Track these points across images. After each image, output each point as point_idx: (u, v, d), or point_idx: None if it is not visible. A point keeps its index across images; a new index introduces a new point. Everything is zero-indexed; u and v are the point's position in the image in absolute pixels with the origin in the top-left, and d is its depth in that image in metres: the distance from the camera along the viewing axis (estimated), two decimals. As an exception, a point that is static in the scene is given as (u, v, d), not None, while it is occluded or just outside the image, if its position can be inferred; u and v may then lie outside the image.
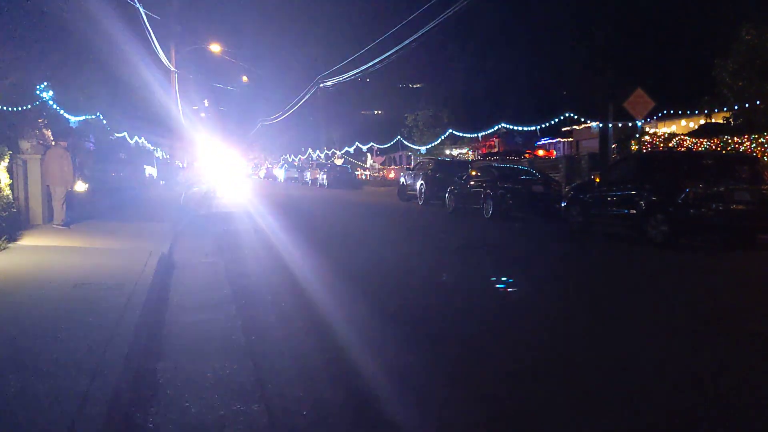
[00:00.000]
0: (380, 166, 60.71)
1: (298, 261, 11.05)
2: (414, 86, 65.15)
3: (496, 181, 20.40)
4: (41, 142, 15.59)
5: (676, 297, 8.47)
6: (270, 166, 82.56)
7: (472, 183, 21.85)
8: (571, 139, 44.45)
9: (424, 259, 11.73)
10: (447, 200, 23.24)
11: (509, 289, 8.75)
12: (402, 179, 30.63)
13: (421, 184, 26.53)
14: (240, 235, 15.71)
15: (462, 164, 28.47)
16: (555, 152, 45.63)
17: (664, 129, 32.59)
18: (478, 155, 48.09)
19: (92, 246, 11.73)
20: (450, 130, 43.86)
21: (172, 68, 36.96)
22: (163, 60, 33.48)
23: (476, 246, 13.82)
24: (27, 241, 11.89)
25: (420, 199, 26.63)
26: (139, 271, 8.97)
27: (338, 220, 20.33)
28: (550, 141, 47.42)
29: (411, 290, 8.76)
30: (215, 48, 44.51)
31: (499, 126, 40.17)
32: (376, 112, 70.67)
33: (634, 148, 25.64)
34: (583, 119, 39.24)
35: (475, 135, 44.03)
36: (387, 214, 22.76)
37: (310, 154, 74.24)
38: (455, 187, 22.80)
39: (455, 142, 48.97)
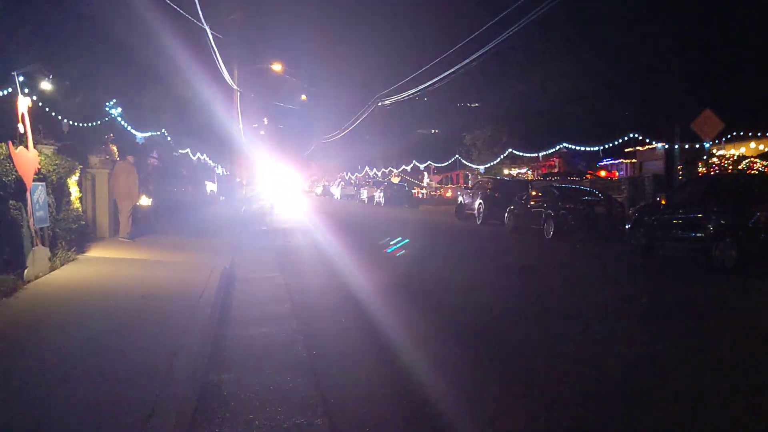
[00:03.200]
0: (437, 185, 60.61)
1: (357, 277, 11.10)
2: (472, 105, 65.09)
3: (558, 201, 20.16)
4: (108, 157, 16.16)
5: (751, 327, 8.19)
6: (327, 183, 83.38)
7: (532, 203, 21.65)
8: (634, 161, 43.59)
9: (487, 279, 11.61)
10: (506, 220, 23.07)
11: (578, 314, 8.58)
12: (460, 198, 30.50)
13: (480, 204, 26.40)
14: (299, 250, 15.90)
15: (521, 184, 28.16)
16: (618, 173, 44.79)
17: (732, 151, 31.69)
18: (537, 175, 47.56)
19: (157, 259, 12.05)
20: (510, 150, 43.57)
21: (235, 87, 37.84)
22: (226, 79, 34.34)
23: (539, 267, 13.64)
24: (94, 252, 12.30)
25: (478, 219, 26.49)
26: (203, 284, 9.18)
27: (396, 237, 20.36)
28: (613, 162, 46.58)
29: (474, 310, 8.70)
30: (276, 67, 45.38)
31: (560, 146, 39.73)
32: (433, 131, 70.69)
33: (701, 170, 25.00)
34: (647, 140, 38.47)
35: (535, 155, 43.64)
36: (445, 233, 22.71)
37: (366, 171, 74.79)
38: (515, 207, 22.62)
39: (514, 161, 48.61)
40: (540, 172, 50.21)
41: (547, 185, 24.08)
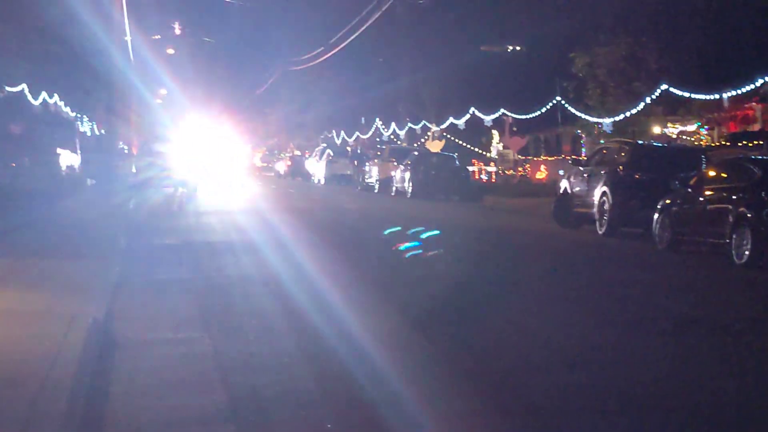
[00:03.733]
0: (518, 157, 60.28)
1: (354, 347, 11.00)
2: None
3: (761, 189, 20.05)
4: None
5: None
6: (298, 153, 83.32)
7: (709, 194, 21.64)
8: None
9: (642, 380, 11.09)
10: (656, 227, 22.96)
11: None
12: (564, 184, 30.25)
13: (604, 194, 26.20)
14: (241, 287, 15.93)
15: (687, 155, 27.98)
16: None
17: None
18: (719, 137, 47.25)
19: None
20: (663, 86, 43.16)
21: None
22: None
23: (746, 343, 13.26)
24: None
25: (600, 225, 26.28)
26: (51, 355, 9.12)
27: (431, 269, 20.07)
28: None
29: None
30: None
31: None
32: (509, 48, 70.17)
33: None
34: None
35: (715, 96, 43.21)
36: (535, 256, 22.52)
37: (378, 129, 74.64)
38: (673, 201, 22.54)
39: (673, 109, 48.17)
40: (723, 130, 49.95)
41: (740, 159, 23.90)
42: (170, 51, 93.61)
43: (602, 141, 44.90)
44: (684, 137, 49.19)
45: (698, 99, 44.69)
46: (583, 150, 56.60)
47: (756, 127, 47.34)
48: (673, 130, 50.10)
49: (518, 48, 68.64)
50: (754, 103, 47.45)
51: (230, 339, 11.37)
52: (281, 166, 79.74)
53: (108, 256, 17.62)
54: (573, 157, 46.11)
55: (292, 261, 19.34)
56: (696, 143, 45.83)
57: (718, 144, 41.74)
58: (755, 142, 38.26)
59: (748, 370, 10.38)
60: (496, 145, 63.59)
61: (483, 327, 12.82)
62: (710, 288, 17.60)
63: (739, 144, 38.54)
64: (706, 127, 49.71)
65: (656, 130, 48.69)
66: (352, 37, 65.92)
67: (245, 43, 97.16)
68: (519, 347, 11.47)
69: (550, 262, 21.58)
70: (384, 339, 11.35)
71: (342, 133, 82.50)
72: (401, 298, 15.34)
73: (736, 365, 10.67)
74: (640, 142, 33.85)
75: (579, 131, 55.57)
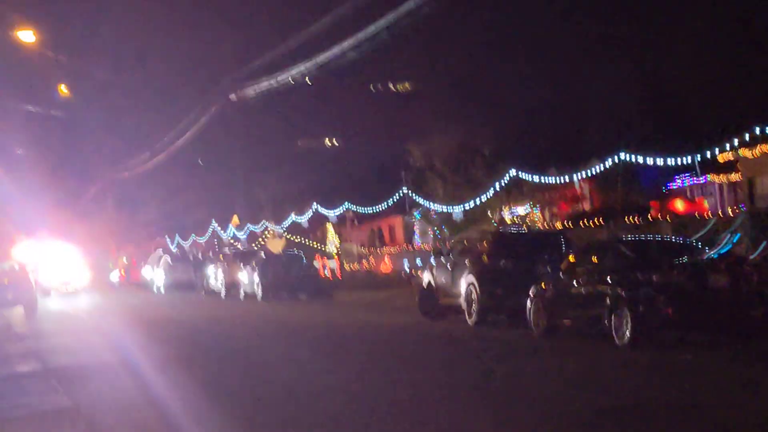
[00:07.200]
0: (362, 249, 60.08)
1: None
2: (407, 88, 65.50)
3: (634, 270, 20.22)
4: None
5: None
6: (126, 262, 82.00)
7: (581, 278, 21.75)
8: (737, 176, 44.35)
9: None
10: (531, 313, 22.94)
11: None
12: (427, 277, 30.17)
13: (471, 284, 26.10)
14: (116, 413, 15.23)
15: (547, 238, 28.32)
16: (706, 202, 45.62)
17: None
18: (551, 217, 48.11)
19: None
20: (513, 172, 43.50)
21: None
22: None
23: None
24: None
25: (470, 314, 26.15)
26: None
27: (301, 386, 19.34)
28: (696, 182, 47.34)
29: None
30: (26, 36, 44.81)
31: (616, 159, 39.90)
32: (328, 142, 70.70)
33: None
34: (760, 134, 39.39)
35: (554, 179, 43.94)
36: (402, 353, 21.72)
37: (215, 232, 73.79)
38: (546, 286, 22.59)
39: (511, 193, 48.77)
40: (555, 210, 50.90)
41: (608, 239, 24.22)
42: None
43: (435, 228, 45.31)
44: (516, 219, 49.91)
45: (533, 182, 45.44)
46: (416, 237, 57.19)
47: (586, 204, 48.36)
48: (507, 214, 50.80)
49: (334, 143, 69.36)
50: (584, 183, 48.45)
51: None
52: (115, 276, 78.29)
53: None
54: (434, 246, 46.26)
55: (147, 384, 18.64)
56: (530, 225, 46.48)
57: (559, 225, 42.45)
58: (596, 224, 38.87)
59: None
60: (333, 239, 63.53)
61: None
62: (595, 373, 17.32)
63: (581, 223, 39.20)
64: (536, 207, 50.55)
65: (498, 213, 49.44)
66: (177, 143, 65.67)
67: (64, 152, 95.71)
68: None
69: (426, 357, 21.15)
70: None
71: (177, 237, 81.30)
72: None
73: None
74: (501, 230, 34.26)
75: (411, 219, 56.06)
